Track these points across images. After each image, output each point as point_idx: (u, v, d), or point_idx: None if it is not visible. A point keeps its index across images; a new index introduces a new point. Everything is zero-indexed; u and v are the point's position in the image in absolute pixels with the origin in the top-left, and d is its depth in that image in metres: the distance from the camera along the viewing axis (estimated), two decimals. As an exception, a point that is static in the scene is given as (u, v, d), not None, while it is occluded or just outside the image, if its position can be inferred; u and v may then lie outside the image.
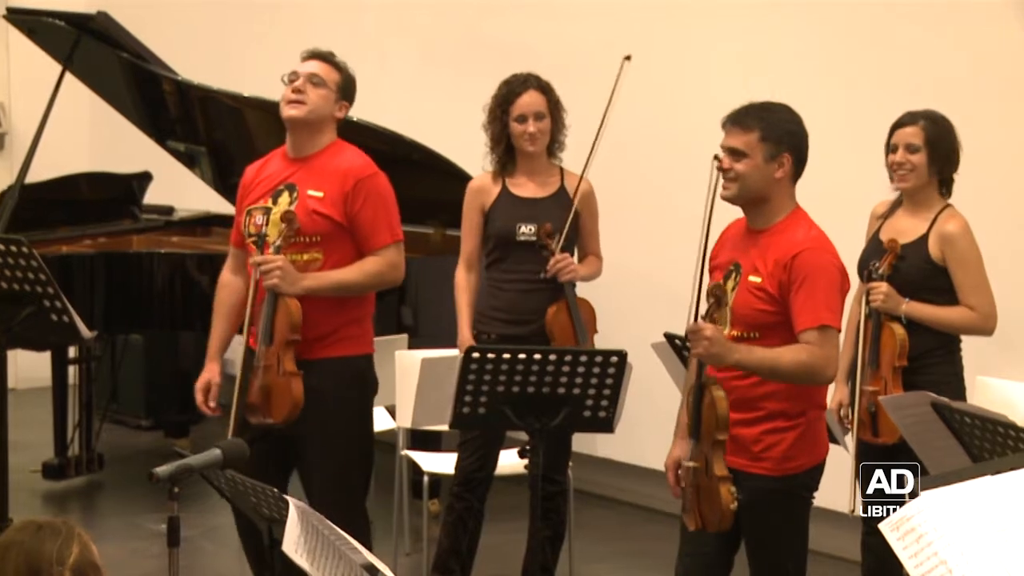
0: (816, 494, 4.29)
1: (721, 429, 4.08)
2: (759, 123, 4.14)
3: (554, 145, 5.58)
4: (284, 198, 4.84)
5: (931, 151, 4.95)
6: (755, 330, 4.16)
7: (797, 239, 4.13)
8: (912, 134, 4.96)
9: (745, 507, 4.13)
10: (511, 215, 5.50)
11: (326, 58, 4.95)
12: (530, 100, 5.49)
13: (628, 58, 5.48)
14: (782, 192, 4.18)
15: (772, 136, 4.13)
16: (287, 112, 4.88)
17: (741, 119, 4.16)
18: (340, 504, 4.73)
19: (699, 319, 4.08)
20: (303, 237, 4.78)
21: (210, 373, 5.00)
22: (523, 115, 5.48)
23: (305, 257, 4.80)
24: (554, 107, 5.54)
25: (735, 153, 4.15)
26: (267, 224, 4.85)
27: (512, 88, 5.52)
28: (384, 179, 4.90)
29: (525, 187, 5.56)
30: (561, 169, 5.62)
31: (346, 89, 4.93)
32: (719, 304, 4.08)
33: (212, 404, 4.99)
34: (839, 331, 4.14)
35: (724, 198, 4.18)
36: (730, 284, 4.21)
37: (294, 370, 4.75)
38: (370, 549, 4.84)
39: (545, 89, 5.53)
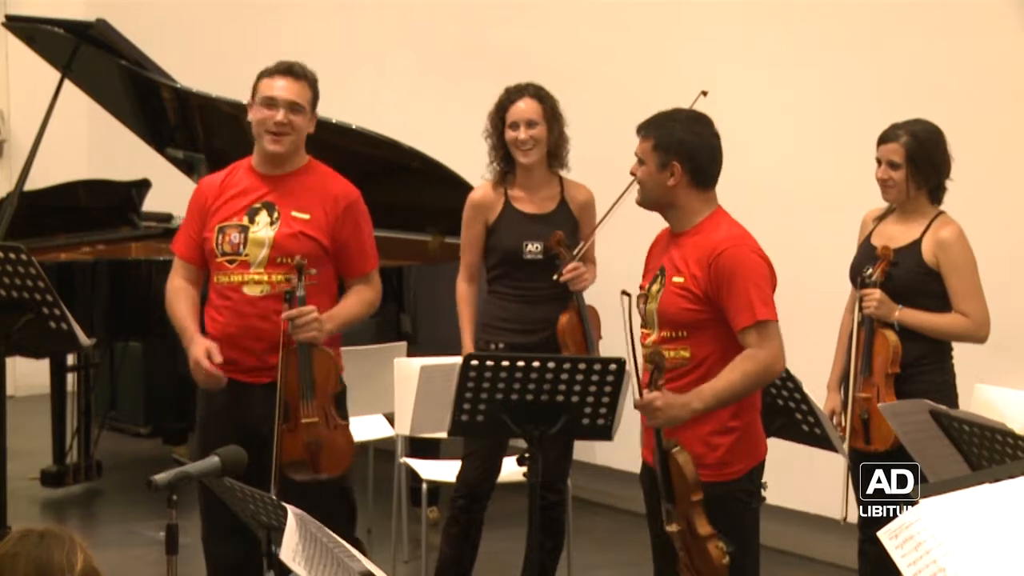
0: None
1: (695, 490, 4.08)
2: (655, 132, 4.25)
3: (552, 157, 5.55)
4: (262, 217, 4.75)
5: (912, 167, 4.94)
6: (682, 329, 4.21)
7: (717, 238, 4.19)
8: (892, 151, 4.96)
9: None
10: (517, 233, 5.47)
11: (299, 74, 4.78)
12: (523, 107, 5.46)
13: (704, 94, 5.41)
14: (687, 198, 4.24)
15: (663, 145, 4.21)
16: (271, 147, 4.74)
17: (642, 127, 4.29)
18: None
19: (642, 392, 4.12)
20: (289, 258, 4.70)
21: (204, 342, 4.80)
22: (515, 122, 5.46)
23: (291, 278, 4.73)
24: (551, 116, 5.50)
25: (639, 160, 4.27)
26: (244, 243, 4.74)
27: (509, 96, 5.51)
28: (363, 202, 4.88)
29: (528, 202, 5.52)
30: (561, 179, 5.60)
31: (316, 100, 4.84)
32: (660, 370, 4.10)
33: (218, 359, 4.76)
34: (776, 321, 4.17)
35: (636, 202, 4.33)
36: (655, 287, 4.26)
37: (343, 422, 4.71)
38: (353, 529, 4.86)
39: (541, 97, 5.51)
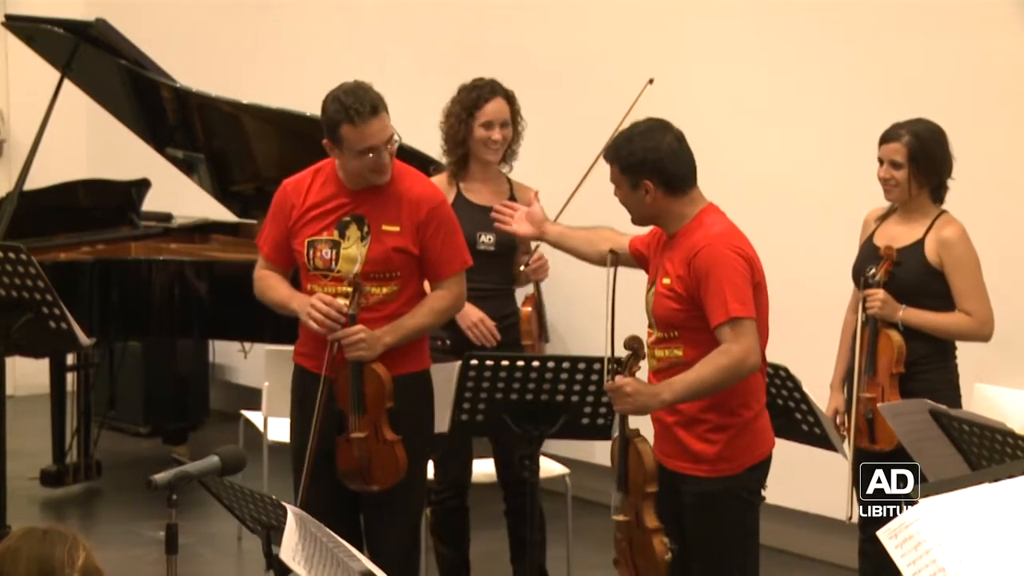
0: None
1: (650, 481, 4.09)
2: (615, 157, 4.27)
3: (508, 153, 5.60)
4: (353, 231, 4.66)
5: (914, 167, 4.94)
6: (673, 329, 4.23)
7: (697, 237, 4.21)
8: (895, 150, 4.96)
9: (686, 510, 4.17)
10: (470, 223, 5.45)
11: (380, 106, 4.59)
12: (497, 108, 5.51)
13: (651, 81, 5.45)
14: (670, 207, 4.25)
15: (628, 168, 4.24)
16: (381, 181, 4.62)
17: (605, 153, 4.32)
18: (397, 528, 4.75)
19: (615, 376, 4.13)
20: (383, 273, 4.65)
21: (305, 296, 4.71)
22: (490, 122, 5.49)
23: (384, 290, 4.67)
24: (515, 117, 5.58)
25: (615, 185, 4.30)
26: (336, 260, 4.65)
27: (481, 94, 5.52)
28: (449, 205, 4.84)
29: (479, 193, 5.56)
30: (509, 179, 5.64)
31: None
32: (636, 357, 4.12)
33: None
34: (752, 318, 4.15)
35: (631, 222, 4.34)
36: (651, 289, 4.30)
37: (395, 437, 4.63)
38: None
39: (510, 98, 5.57)
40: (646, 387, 4.12)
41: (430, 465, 5.60)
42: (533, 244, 5.52)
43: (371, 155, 4.57)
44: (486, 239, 5.49)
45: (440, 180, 5.57)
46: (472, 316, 5.43)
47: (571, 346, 6.03)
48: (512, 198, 5.55)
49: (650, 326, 4.32)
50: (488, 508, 5.95)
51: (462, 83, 5.61)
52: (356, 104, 4.56)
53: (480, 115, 5.47)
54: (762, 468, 4.30)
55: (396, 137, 4.64)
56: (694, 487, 4.17)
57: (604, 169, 4.37)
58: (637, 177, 4.21)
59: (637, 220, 4.33)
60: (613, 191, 4.34)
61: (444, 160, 5.63)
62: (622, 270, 4.47)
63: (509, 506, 5.68)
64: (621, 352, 4.18)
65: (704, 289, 4.14)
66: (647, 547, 4.08)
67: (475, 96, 5.51)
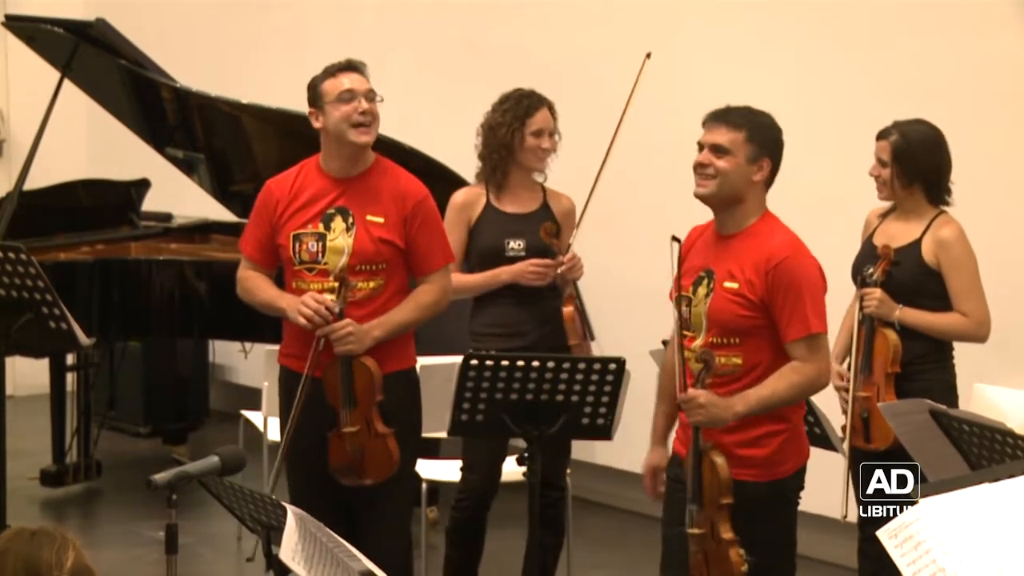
0: (805, 497, 4.29)
1: (725, 493, 4.04)
2: (747, 123, 4.16)
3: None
4: (338, 223, 4.68)
5: (897, 166, 4.94)
6: (734, 336, 4.13)
7: (774, 244, 4.13)
8: (882, 148, 4.98)
9: (735, 512, 4.11)
10: (498, 231, 5.46)
11: (360, 68, 4.74)
12: (546, 116, 5.49)
13: (648, 56, 5.46)
14: (756, 196, 4.19)
15: (757, 138, 4.15)
16: (361, 140, 4.68)
17: (729, 116, 4.17)
18: (390, 526, 4.76)
19: (688, 388, 4.09)
20: (370, 265, 4.67)
21: (293, 296, 4.72)
22: (541, 130, 5.46)
23: (371, 284, 4.69)
24: (556, 126, 5.56)
25: (718, 150, 4.14)
26: (323, 252, 4.67)
27: (532, 102, 5.50)
28: (433, 200, 4.85)
29: (510, 203, 5.53)
30: (543, 187, 5.60)
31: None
32: (708, 368, 4.07)
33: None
34: (826, 334, 4.17)
35: (699, 195, 4.17)
36: (702, 291, 4.17)
37: (386, 430, 4.66)
38: (410, 572, 4.88)
39: (552, 108, 5.54)
40: (719, 399, 4.06)
41: (457, 474, 5.60)
42: (565, 244, 5.49)
43: (352, 103, 4.64)
44: (515, 245, 5.46)
45: (471, 192, 5.55)
46: (519, 265, 5.39)
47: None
48: (546, 204, 5.55)
49: (689, 329, 4.20)
50: (505, 507, 5.94)
51: (501, 94, 5.55)
52: (332, 63, 4.75)
53: (531, 123, 5.45)
54: (805, 469, 4.27)
55: (373, 93, 4.70)
56: (743, 491, 4.09)
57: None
58: (763, 152, 4.15)
59: (722, 194, 4.14)
60: (706, 155, 4.13)
61: (480, 169, 5.57)
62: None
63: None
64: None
65: (783, 300, 4.08)
66: (723, 559, 4.03)
67: (526, 105, 5.48)
